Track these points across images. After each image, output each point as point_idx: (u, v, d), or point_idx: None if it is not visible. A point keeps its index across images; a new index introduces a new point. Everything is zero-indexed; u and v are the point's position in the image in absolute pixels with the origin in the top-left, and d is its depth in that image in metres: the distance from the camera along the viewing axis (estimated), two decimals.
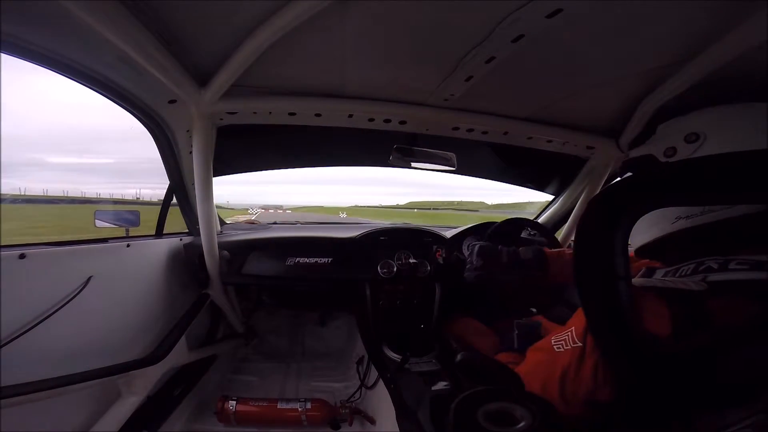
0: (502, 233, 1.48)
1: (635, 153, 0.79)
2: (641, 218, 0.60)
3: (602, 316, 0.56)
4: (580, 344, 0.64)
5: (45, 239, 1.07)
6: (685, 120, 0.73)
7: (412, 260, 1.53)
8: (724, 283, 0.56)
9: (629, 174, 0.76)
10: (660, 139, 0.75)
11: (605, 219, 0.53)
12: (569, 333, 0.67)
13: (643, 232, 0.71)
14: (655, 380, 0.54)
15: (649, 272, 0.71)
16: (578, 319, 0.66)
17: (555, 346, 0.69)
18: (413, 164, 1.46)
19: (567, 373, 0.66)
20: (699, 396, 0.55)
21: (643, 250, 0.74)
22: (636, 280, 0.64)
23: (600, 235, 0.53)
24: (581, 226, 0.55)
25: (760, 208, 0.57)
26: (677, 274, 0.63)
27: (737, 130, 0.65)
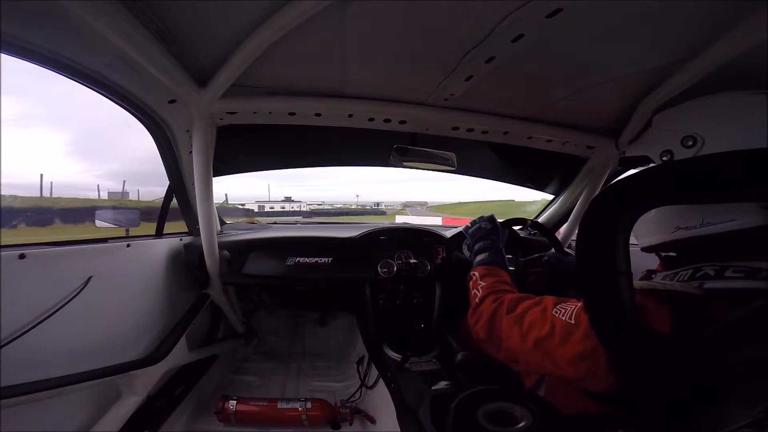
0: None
1: (631, 152, 0.79)
2: (646, 218, 0.60)
3: (604, 310, 0.57)
4: (572, 322, 0.66)
5: None
6: (680, 114, 0.73)
7: (412, 260, 1.53)
8: (720, 290, 0.57)
9: (630, 171, 0.77)
10: (655, 137, 0.74)
11: (607, 217, 0.54)
12: (573, 307, 0.69)
13: (647, 234, 0.73)
14: (654, 375, 0.54)
15: (649, 275, 0.72)
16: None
17: (554, 311, 0.71)
18: (413, 164, 1.46)
19: (551, 336, 0.68)
20: (698, 393, 0.56)
21: (647, 250, 0.76)
22: (637, 283, 0.65)
23: (602, 232, 0.54)
24: (584, 223, 0.56)
25: (757, 221, 0.57)
26: (675, 279, 0.64)
27: (736, 125, 0.64)
